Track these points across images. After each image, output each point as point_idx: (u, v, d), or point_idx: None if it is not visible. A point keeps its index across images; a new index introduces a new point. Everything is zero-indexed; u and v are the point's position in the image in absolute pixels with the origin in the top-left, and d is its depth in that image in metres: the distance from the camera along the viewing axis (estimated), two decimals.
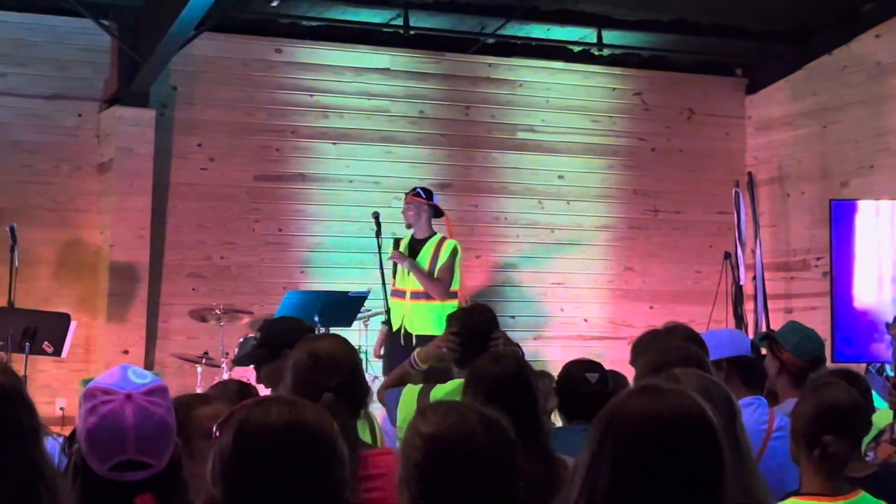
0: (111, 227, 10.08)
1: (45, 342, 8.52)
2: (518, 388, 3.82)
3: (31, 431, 2.59)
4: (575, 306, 11.80)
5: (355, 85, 11.21)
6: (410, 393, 4.78)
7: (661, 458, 2.10)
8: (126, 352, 10.02)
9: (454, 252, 9.23)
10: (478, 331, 5.12)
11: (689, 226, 12.30)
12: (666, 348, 3.70)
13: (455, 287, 9.22)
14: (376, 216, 9.62)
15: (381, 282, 9.19)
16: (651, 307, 11.87)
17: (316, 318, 7.84)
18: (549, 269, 11.77)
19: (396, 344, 8.90)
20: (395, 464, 3.32)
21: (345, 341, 3.66)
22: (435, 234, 9.37)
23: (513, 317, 11.55)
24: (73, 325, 8.64)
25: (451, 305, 8.78)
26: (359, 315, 9.36)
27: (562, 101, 11.96)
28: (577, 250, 11.91)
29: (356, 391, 3.50)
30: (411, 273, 9.08)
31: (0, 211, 9.72)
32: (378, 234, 9.48)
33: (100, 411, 2.63)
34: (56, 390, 10.02)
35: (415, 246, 9.29)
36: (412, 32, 11.16)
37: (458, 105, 11.58)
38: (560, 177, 11.90)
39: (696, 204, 12.34)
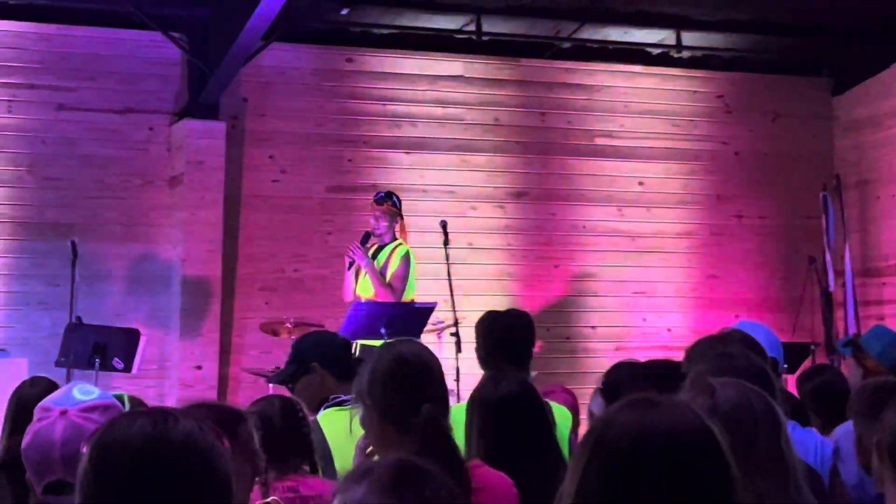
0: (182, 241, 9.99)
1: (115, 358, 8.43)
2: (524, 409, 3.62)
3: None
4: (657, 316, 11.51)
5: (428, 93, 11.04)
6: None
7: (654, 479, 1.86)
8: (199, 367, 9.93)
9: (406, 258, 8.90)
10: (506, 338, 4.90)
11: (774, 231, 11.95)
12: (726, 355, 3.43)
13: (410, 296, 8.92)
14: (444, 225, 9.41)
15: (449, 292, 8.97)
16: (736, 315, 11.51)
17: (382, 331, 7.66)
18: (629, 278, 11.49)
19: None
20: (491, 479, 3.14)
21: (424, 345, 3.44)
22: (395, 239, 9.07)
23: (593, 327, 11.31)
24: (142, 340, 8.54)
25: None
26: (429, 327, 9.14)
27: (641, 105, 11.69)
28: (658, 258, 11.62)
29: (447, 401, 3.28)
30: (367, 274, 8.81)
31: (71, 226, 9.67)
32: (446, 243, 9.26)
33: (33, 429, 2.54)
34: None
35: (375, 252, 9.02)
36: (486, 38, 10.98)
37: (534, 111, 11.35)
38: (640, 183, 11.62)
39: (781, 209, 11.98)
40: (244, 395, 9.72)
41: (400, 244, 9.01)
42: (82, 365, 8.35)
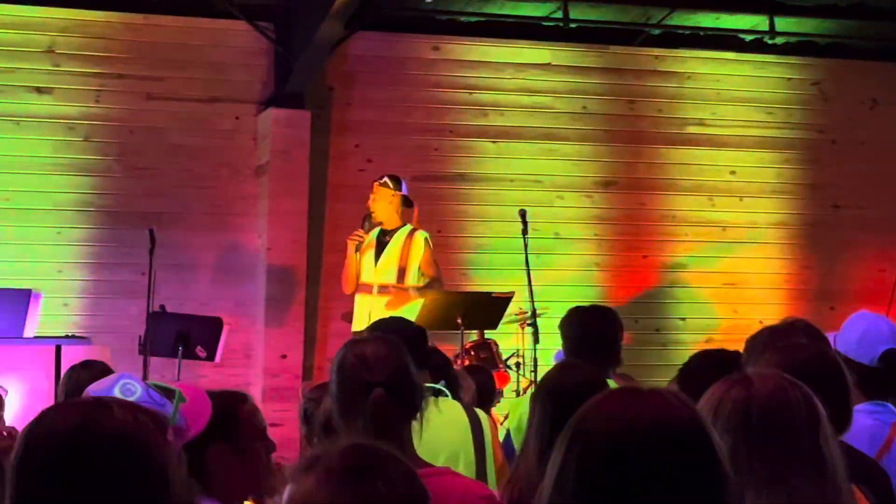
0: (268, 230, 10.02)
1: (198, 347, 8.48)
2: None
3: None
4: (749, 308, 11.28)
5: (515, 81, 10.94)
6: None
7: (633, 474, 1.70)
8: (284, 356, 9.96)
9: (427, 243, 8.72)
10: (591, 334, 4.80)
11: (872, 221, 11.64)
12: (797, 346, 3.28)
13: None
14: (523, 214, 9.31)
15: (527, 282, 8.87)
16: (832, 308, 11.26)
17: (459, 321, 7.59)
18: (720, 269, 11.30)
19: None
20: (450, 486, 3.02)
21: (391, 342, 3.35)
22: (404, 224, 8.83)
23: (683, 319, 11.15)
24: (225, 329, 8.57)
25: (417, 303, 8.42)
26: (510, 318, 9.07)
27: (733, 92, 11.47)
28: (750, 249, 11.40)
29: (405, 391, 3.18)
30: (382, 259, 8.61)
31: (159, 215, 9.73)
32: (525, 232, 9.15)
33: None
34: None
35: (382, 238, 8.76)
36: (573, 25, 10.84)
37: (623, 99, 11.19)
38: (732, 172, 11.41)
39: (879, 198, 11.68)
40: None
41: (415, 229, 8.79)
42: (165, 353, 8.42)
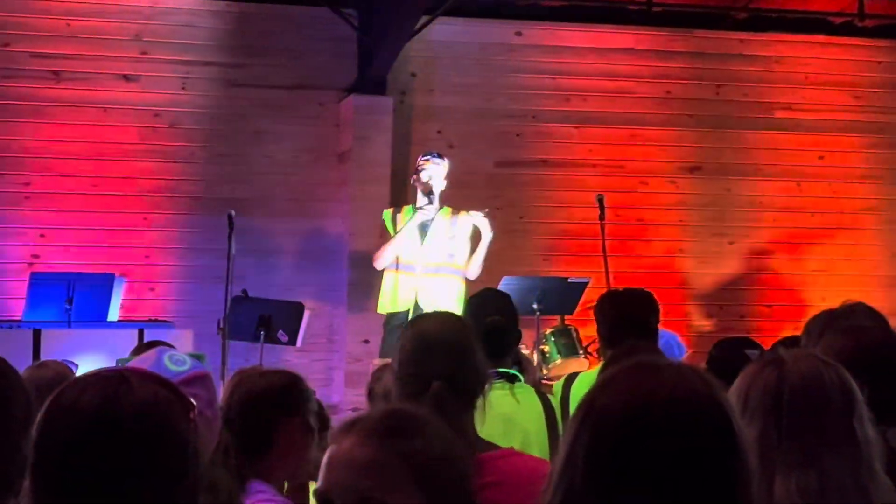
0: (350, 216, 10.08)
1: (280, 331, 8.56)
2: None
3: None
4: (838, 295, 11.00)
5: (598, 66, 10.88)
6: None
7: (646, 453, 1.65)
8: (366, 341, 10.00)
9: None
10: (627, 314, 4.79)
11: None
12: (861, 329, 3.23)
13: None
14: (600, 200, 9.26)
15: (604, 268, 8.84)
16: None
17: (535, 306, 7.58)
18: (808, 256, 11.16)
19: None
20: (518, 466, 3.01)
21: (457, 320, 3.34)
22: (443, 206, 8.70)
23: (769, 306, 11.03)
24: (307, 314, 8.64)
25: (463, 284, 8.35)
26: (590, 304, 9.04)
27: (822, 76, 11.31)
28: (839, 235, 11.24)
29: (467, 380, 3.13)
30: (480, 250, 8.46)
31: (243, 201, 9.82)
32: (601, 218, 9.11)
33: None
34: None
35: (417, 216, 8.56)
36: (658, 9, 10.77)
37: (708, 84, 11.10)
38: (820, 157, 11.26)
39: None
40: None
41: (457, 212, 8.66)
42: (247, 337, 8.50)
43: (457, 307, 7.97)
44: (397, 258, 8.55)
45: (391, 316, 8.45)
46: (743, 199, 11.11)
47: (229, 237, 8.40)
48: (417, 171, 8.73)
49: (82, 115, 9.83)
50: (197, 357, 2.75)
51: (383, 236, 8.62)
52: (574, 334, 9.01)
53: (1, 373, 2.18)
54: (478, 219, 8.54)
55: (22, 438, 2.13)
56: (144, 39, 10.00)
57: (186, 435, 1.87)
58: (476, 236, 8.75)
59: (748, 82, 11.17)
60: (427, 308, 7.96)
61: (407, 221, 8.54)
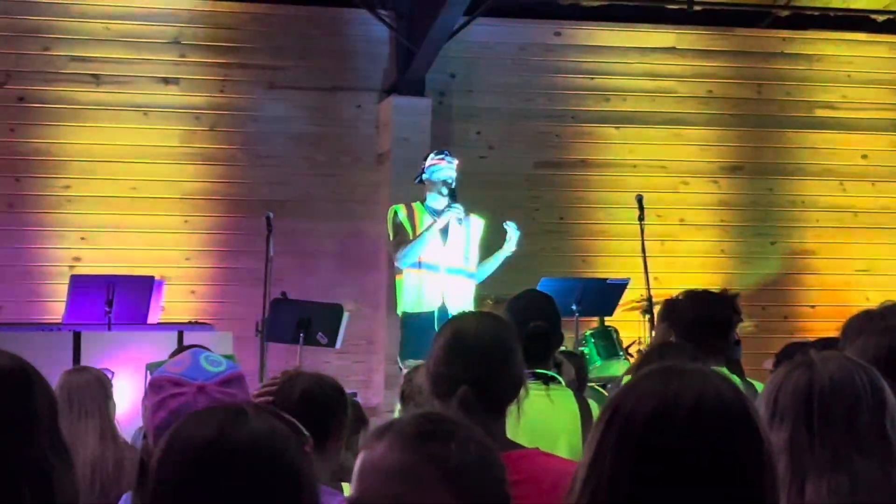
0: None
1: (319, 333, 8.57)
2: None
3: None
4: (882, 295, 10.77)
5: (639, 66, 10.86)
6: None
7: (672, 456, 1.65)
8: None
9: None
10: (701, 320, 4.73)
11: None
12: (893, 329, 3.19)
13: None
14: (639, 200, 9.20)
15: (643, 269, 8.80)
16: None
17: (574, 307, 7.56)
18: (852, 256, 11.09)
19: (431, 330, 8.06)
20: (540, 466, 2.99)
21: (500, 323, 3.24)
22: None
23: (812, 306, 10.97)
24: (346, 315, 8.66)
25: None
26: (630, 305, 9.03)
27: (865, 74, 11.22)
28: (884, 234, 11.16)
29: (499, 387, 3.06)
30: (499, 255, 8.28)
31: (282, 203, 9.85)
32: (641, 218, 9.07)
33: (169, 406, 2.43)
34: (342, 382, 10.09)
35: (436, 216, 8.27)
36: (698, 8, 10.73)
37: (750, 83, 11.05)
38: (864, 156, 11.18)
39: None
40: None
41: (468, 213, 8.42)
42: (287, 339, 8.51)
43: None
44: (419, 258, 8.34)
45: (412, 316, 8.25)
46: (785, 199, 11.06)
47: (268, 239, 8.44)
48: (429, 169, 8.41)
49: (122, 118, 9.89)
50: (229, 357, 2.77)
51: (399, 234, 8.36)
52: (614, 336, 8.98)
53: (26, 376, 2.19)
54: (512, 231, 8.35)
55: (45, 441, 2.14)
56: (183, 42, 10.06)
57: (301, 467, 1.86)
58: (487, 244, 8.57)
59: (790, 81, 11.12)
60: (454, 310, 7.85)
61: (429, 222, 8.24)
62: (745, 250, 10.95)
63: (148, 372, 2.97)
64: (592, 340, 8.75)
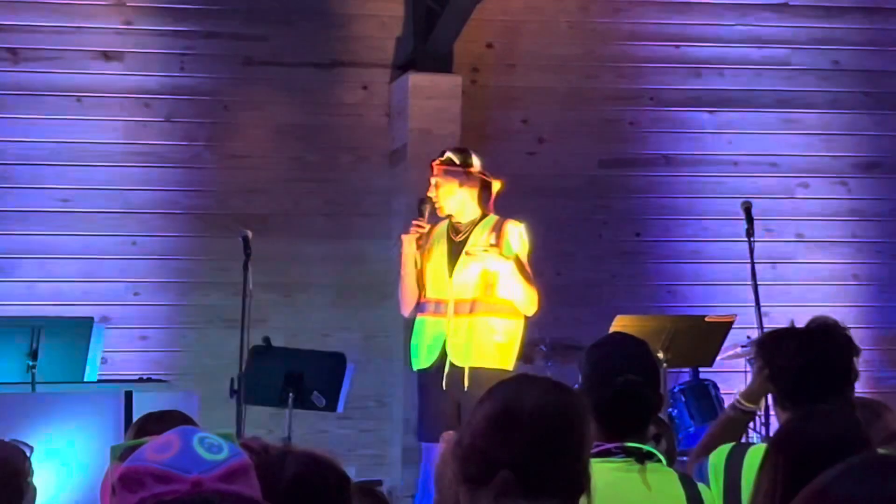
0: None
1: (315, 393, 8.53)
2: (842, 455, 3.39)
3: None
4: None
5: (740, 29, 10.87)
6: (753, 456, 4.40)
7: None
8: None
9: (523, 239, 8.27)
10: (816, 362, 4.67)
11: None
12: None
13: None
14: (747, 209, 9.14)
15: (753, 300, 8.71)
16: None
17: (660, 354, 7.49)
18: None
19: (432, 388, 8.07)
20: None
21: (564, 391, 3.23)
22: (487, 214, 8.34)
23: None
24: (349, 368, 8.62)
25: (520, 322, 8.10)
26: (733, 352, 8.97)
27: None
28: None
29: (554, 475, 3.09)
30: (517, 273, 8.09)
31: (263, 218, 9.87)
32: (750, 233, 8.99)
33: None
34: (343, 458, 10.02)
35: (453, 235, 8.24)
36: None
37: (890, 50, 11.06)
38: None
39: None
40: None
41: (503, 220, 8.31)
42: (272, 401, 8.50)
43: (503, 359, 7.92)
44: (422, 296, 8.32)
45: (419, 374, 8.29)
46: None
47: (245, 266, 8.39)
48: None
49: (48, 106, 9.91)
50: (226, 437, 2.71)
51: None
52: (713, 392, 8.92)
53: None
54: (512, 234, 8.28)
55: None
56: (129, 4, 10.06)
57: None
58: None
59: None
60: (458, 362, 7.90)
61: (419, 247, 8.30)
62: (886, 274, 10.96)
63: (114, 459, 2.89)
64: (683, 399, 8.70)
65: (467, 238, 8.23)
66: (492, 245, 8.08)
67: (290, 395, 8.38)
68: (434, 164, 8.34)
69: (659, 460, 4.39)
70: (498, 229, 8.23)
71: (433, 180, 8.30)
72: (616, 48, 10.71)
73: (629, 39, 10.73)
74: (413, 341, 8.33)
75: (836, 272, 10.87)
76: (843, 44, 10.99)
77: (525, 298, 8.09)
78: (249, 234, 8.56)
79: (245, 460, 2.50)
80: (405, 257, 8.32)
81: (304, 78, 10.27)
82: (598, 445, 4.31)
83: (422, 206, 8.34)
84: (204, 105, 10.16)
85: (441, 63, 10.22)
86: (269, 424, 9.10)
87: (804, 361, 4.79)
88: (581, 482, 3.11)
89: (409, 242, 8.28)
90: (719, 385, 9.21)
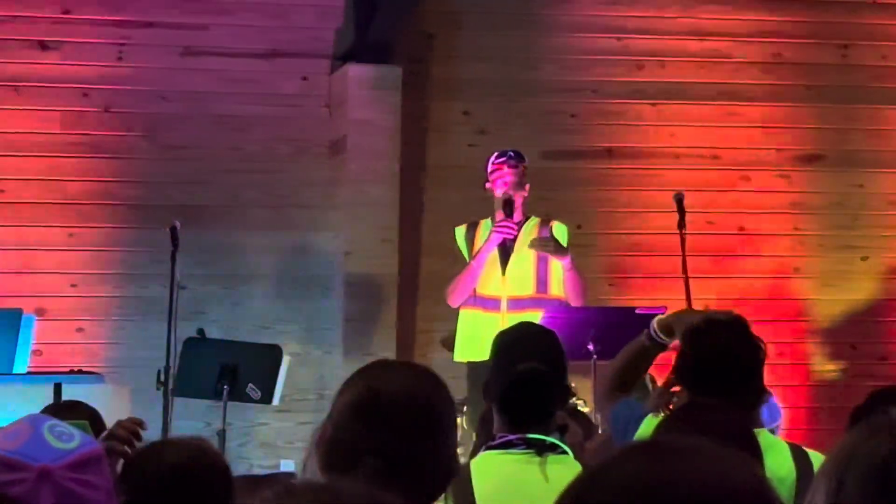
0: (346, 228, 10.09)
1: (250, 385, 8.50)
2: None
3: None
4: None
5: (682, 21, 10.88)
6: (649, 427, 4.35)
7: None
8: None
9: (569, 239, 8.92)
10: (730, 361, 4.57)
11: None
12: None
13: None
14: (679, 200, 9.15)
15: (684, 294, 8.72)
16: None
17: (591, 346, 7.45)
18: None
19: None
20: None
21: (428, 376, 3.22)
22: (529, 215, 9.01)
23: None
24: (285, 360, 8.59)
25: None
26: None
27: None
28: None
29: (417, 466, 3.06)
30: (565, 270, 8.65)
31: (201, 209, 9.88)
32: (681, 225, 8.99)
33: None
34: (280, 450, 10.07)
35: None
36: None
37: (831, 43, 11.08)
38: None
39: None
40: None
41: (549, 219, 8.97)
42: (206, 393, 8.48)
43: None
44: (474, 291, 8.74)
45: (474, 366, 8.49)
46: (880, 199, 11.11)
47: (173, 257, 8.37)
48: (490, 180, 9.00)
49: None
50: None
51: (459, 263, 8.91)
52: (650, 386, 8.89)
53: None
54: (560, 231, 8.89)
55: None
56: None
57: None
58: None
59: (886, 41, 11.16)
60: None
61: (483, 243, 8.81)
62: (826, 269, 10.97)
63: None
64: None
65: (516, 236, 8.77)
66: (550, 239, 8.73)
67: (225, 387, 8.36)
68: (521, 165, 8.95)
69: (564, 452, 4.35)
70: (548, 226, 8.89)
71: (520, 180, 8.92)
72: (558, 40, 10.73)
73: (572, 31, 10.74)
74: (464, 333, 8.81)
75: (778, 266, 10.91)
76: (785, 37, 11.02)
77: (583, 291, 8.70)
78: (178, 224, 8.56)
79: (96, 449, 2.46)
80: (487, 254, 8.77)
81: (243, 68, 10.27)
82: (500, 437, 4.29)
83: (508, 207, 8.78)
84: (142, 95, 10.14)
85: (381, 54, 10.21)
86: (203, 417, 9.07)
87: (710, 355, 4.70)
88: (451, 467, 3.13)
89: (497, 242, 8.74)
90: (656, 377, 9.20)
